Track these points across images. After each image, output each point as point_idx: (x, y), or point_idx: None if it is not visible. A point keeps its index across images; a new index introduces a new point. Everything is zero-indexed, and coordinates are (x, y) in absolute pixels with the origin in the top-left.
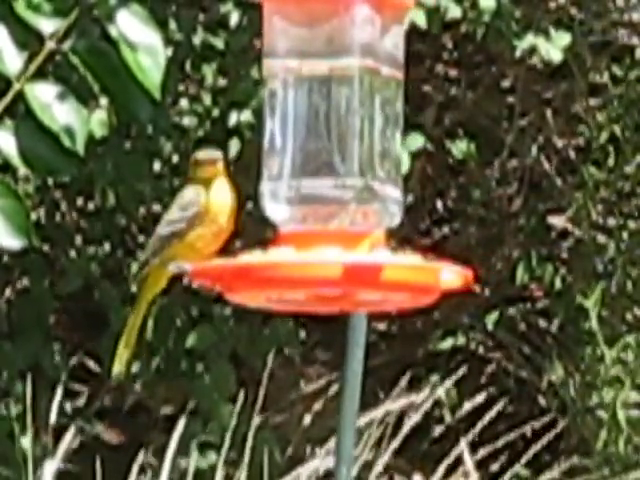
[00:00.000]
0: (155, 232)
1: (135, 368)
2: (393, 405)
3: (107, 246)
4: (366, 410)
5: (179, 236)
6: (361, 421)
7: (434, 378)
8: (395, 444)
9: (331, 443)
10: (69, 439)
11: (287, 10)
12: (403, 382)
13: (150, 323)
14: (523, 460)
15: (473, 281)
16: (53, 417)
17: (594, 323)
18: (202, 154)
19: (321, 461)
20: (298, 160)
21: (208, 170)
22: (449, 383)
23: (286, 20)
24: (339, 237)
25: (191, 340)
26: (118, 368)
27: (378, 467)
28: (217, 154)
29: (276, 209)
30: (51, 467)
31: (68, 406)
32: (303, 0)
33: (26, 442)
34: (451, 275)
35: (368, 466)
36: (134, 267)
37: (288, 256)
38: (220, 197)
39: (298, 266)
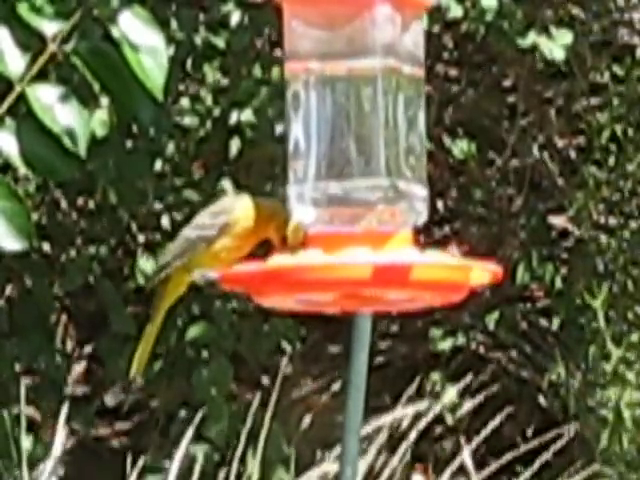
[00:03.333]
0: (181, 234)
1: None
2: (401, 412)
3: (108, 245)
4: (369, 412)
5: (207, 242)
6: (368, 428)
7: (435, 377)
8: (402, 449)
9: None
10: (63, 439)
11: (307, 12)
12: (411, 389)
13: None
14: (522, 459)
15: (501, 277)
16: (53, 417)
17: (601, 322)
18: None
19: (332, 464)
20: (323, 162)
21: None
22: (458, 388)
23: (306, 22)
24: (367, 237)
25: (191, 336)
26: (135, 371)
27: (386, 472)
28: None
29: (303, 211)
30: (49, 467)
31: (68, 406)
32: (323, 2)
33: (26, 442)
34: (480, 272)
35: (376, 471)
36: (140, 265)
37: (317, 258)
38: (251, 214)
39: (327, 268)
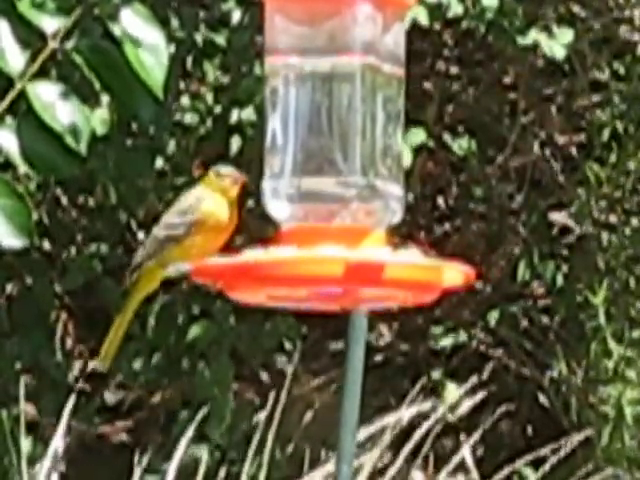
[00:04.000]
0: (152, 234)
1: (137, 365)
2: (405, 413)
3: (108, 244)
4: (370, 411)
5: (176, 240)
6: (371, 428)
7: (435, 375)
8: (406, 450)
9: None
10: (63, 437)
11: (289, 8)
12: (414, 389)
13: (151, 321)
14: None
15: (475, 279)
16: (54, 416)
17: (602, 319)
18: (227, 170)
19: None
20: (300, 158)
21: (224, 185)
22: (462, 389)
23: (288, 18)
24: (341, 235)
25: (192, 335)
26: (104, 363)
27: (390, 473)
28: (241, 177)
29: (278, 207)
30: (47, 464)
31: (69, 404)
32: None
33: (26, 441)
34: (453, 273)
35: (380, 472)
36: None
37: (290, 254)
38: (220, 210)
39: (300, 264)
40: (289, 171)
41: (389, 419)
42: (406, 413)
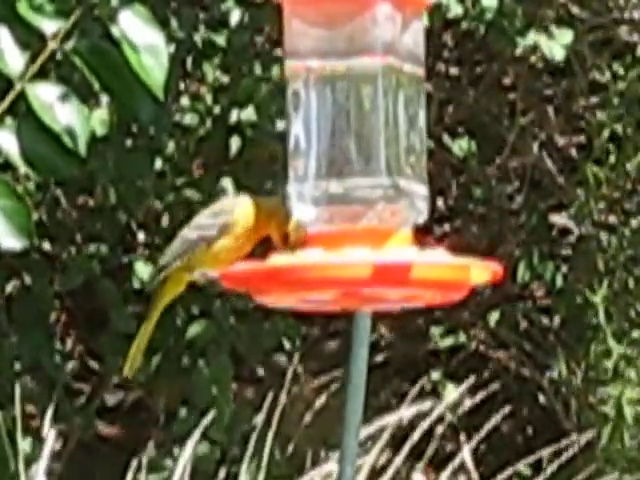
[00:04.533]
0: (179, 235)
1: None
2: (404, 413)
3: (108, 244)
4: (371, 411)
5: (207, 242)
6: (371, 428)
7: (435, 376)
8: (406, 450)
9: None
10: (53, 438)
11: (307, 11)
12: (414, 390)
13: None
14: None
15: (501, 276)
16: (54, 415)
17: (602, 319)
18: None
19: (335, 464)
20: (323, 160)
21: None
22: (462, 389)
23: (306, 21)
24: (367, 236)
25: (191, 335)
26: (129, 370)
27: (389, 473)
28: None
29: (303, 210)
30: (43, 466)
31: (69, 404)
32: (324, 0)
33: (25, 442)
34: (480, 271)
35: (378, 472)
36: (137, 265)
37: (317, 257)
38: (251, 213)
39: (327, 267)
40: (313, 174)
41: (388, 419)
42: (406, 413)
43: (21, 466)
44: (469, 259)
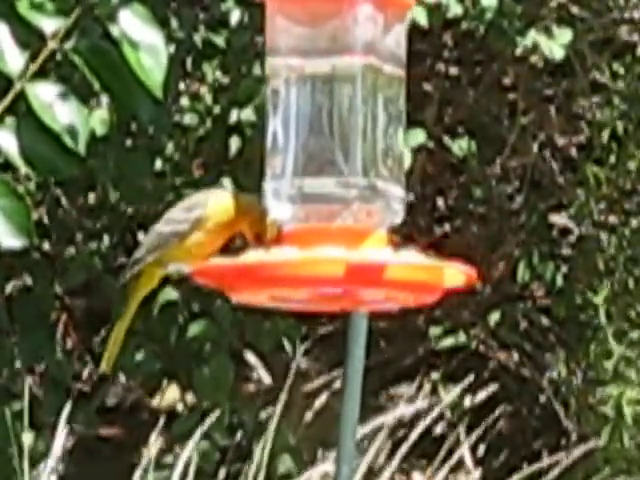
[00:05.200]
0: (152, 230)
1: (136, 365)
2: (402, 411)
3: (108, 243)
4: (369, 411)
5: (179, 236)
6: (368, 428)
7: (435, 376)
8: (403, 450)
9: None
10: (63, 438)
11: (290, 9)
12: (411, 389)
13: (151, 320)
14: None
15: (476, 279)
16: (54, 415)
17: (603, 319)
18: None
19: (332, 464)
20: (301, 159)
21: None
22: (460, 388)
23: (289, 19)
24: (342, 235)
25: (191, 334)
26: (107, 365)
27: (386, 473)
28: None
29: (279, 208)
30: (49, 466)
31: (69, 404)
32: None
33: (27, 441)
34: (454, 273)
35: (375, 472)
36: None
37: (291, 255)
38: (226, 209)
39: (301, 265)
40: (290, 172)
41: (386, 418)
42: (399, 413)
43: (26, 465)
44: (443, 261)
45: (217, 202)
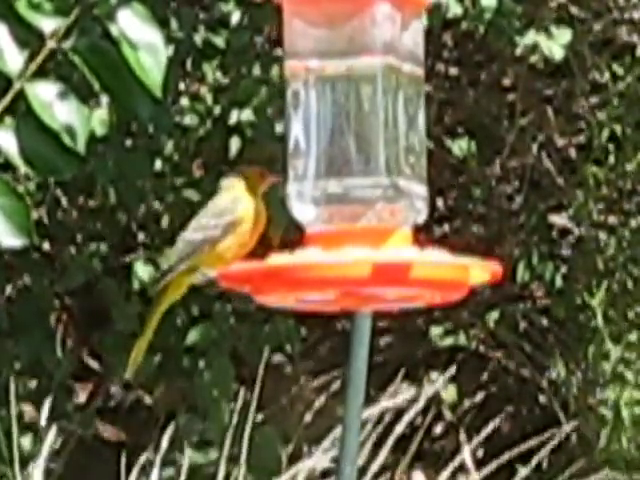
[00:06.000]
0: (181, 238)
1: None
2: (389, 402)
3: (108, 244)
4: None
5: (212, 243)
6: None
7: (434, 376)
8: (391, 441)
9: (327, 441)
10: (52, 437)
11: (307, 11)
12: (399, 379)
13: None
14: (523, 459)
15: (501, 276)
16: (53, 414)
17: (600, 321)
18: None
19: (318, 459)
20: (323, 160)
21: (253, 183)
22: (446, 377)
23: (306, 21)
24: (366, 236)
25: (192, 337)
26: (131, 372)
27: (375, 465)
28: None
29: (302, 209)
30: (40, 465)
31: (69, 404)
32: (324, 0)
33: (25, 441)
34: (480, 270)
35: (365, 464)
36: (137, 266)
37: (316, 256)
38: (255, 210)
39: (327, 266)
40: (313, 174)
41: (373, 410)
42: (390, 403)
43: (17, 466)
44: (468, 259)
45: (245, 204)
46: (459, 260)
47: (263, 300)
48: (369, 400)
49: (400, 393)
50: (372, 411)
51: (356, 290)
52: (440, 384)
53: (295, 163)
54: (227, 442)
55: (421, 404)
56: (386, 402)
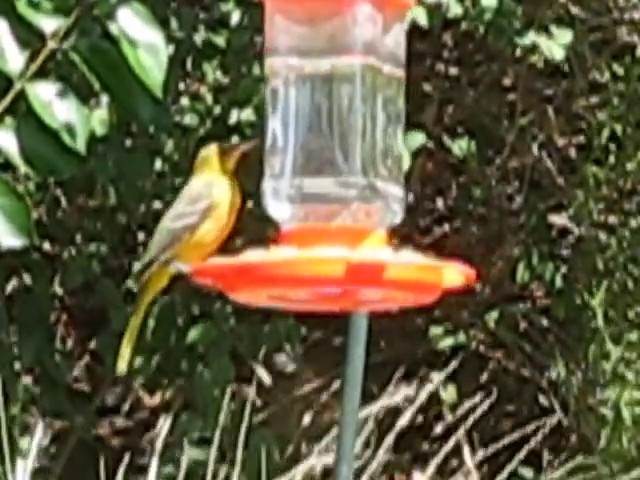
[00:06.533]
0: (160, 228)
1: (136, 366)
2: (387, 401)
3: (108, 244)
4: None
5: (191, 229)
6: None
7: (434, 376)
8: (390, 440)
9: (326, 441)
10: (39, 436)
11: (289, 8)
12: (396, 377)
13: (151, 321)
14: (523, 459)
15: (475, 279)
16: (53, 415)
17: (600, 321)
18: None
19: (317, 459)
20: (300, 158)
21: (224, 164)
22: (443, 377)
23: (288, 18)
24: (341, 235)
25: (192, 337)
26: (121, 367)
27: (374, 464)
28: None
29: (278, 207)
30: (26, 465)
31: (69, 404)
32: None
33: (25, 442)
34: (453, 273)
35: (364, 464)
36: (137, 265)
37: (290, 254)
38: (229, 191)
39: (300, 264)
40: (289, 172)
41: (371, 409)
42: (388, 402)
43: (8, 466)
44: (442, 261)
45: (221, 186)
46: (432, 262)
47: (235, 296)
48: (369, 400)
49: (399, 393)
50: (371, 410)
51: (329, 289)
52: (439, 383)
53: (272, 160)
54: (223, 442)
55: (420, 403)
56: (385, 401)
